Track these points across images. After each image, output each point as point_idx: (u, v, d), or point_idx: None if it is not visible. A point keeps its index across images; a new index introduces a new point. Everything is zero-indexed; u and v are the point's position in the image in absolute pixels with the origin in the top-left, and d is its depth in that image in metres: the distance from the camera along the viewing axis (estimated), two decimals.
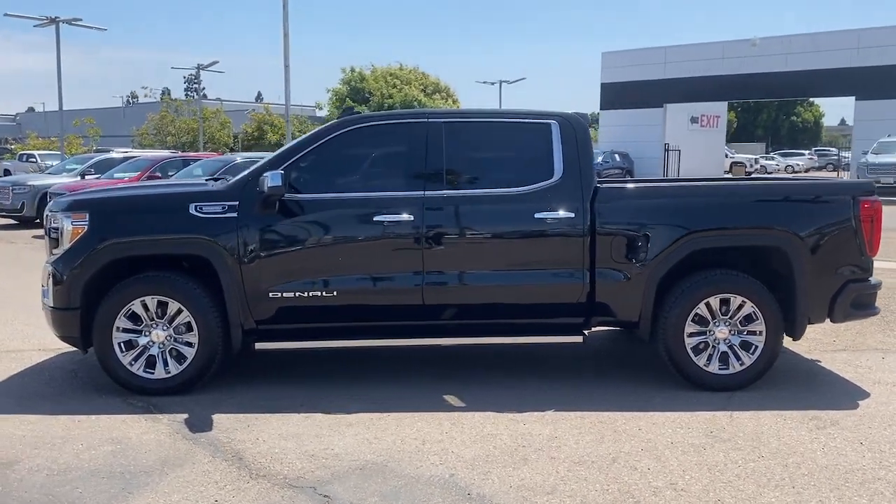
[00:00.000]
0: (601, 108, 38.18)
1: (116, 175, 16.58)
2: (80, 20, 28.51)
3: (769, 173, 52.66)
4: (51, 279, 4.96)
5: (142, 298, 4.91)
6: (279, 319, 5.02)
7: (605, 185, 5.10)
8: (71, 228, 4.95)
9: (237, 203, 4.94)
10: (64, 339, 5.13)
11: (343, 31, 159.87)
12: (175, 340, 4.97)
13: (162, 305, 4.93)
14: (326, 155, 5.09)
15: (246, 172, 5.12)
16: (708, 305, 5.03)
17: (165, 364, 4.97)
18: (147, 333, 4.96)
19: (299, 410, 4.68)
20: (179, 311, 4.93)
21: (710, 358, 5.06)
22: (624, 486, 3.63)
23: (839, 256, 5.06)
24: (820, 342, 6.34)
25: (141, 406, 4.79)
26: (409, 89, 52.14)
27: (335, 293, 4.97)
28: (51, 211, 5.17)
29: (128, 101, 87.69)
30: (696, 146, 38.32)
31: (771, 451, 4.04)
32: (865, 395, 5.00)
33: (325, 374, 5.46)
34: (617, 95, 36.69)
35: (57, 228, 5.07)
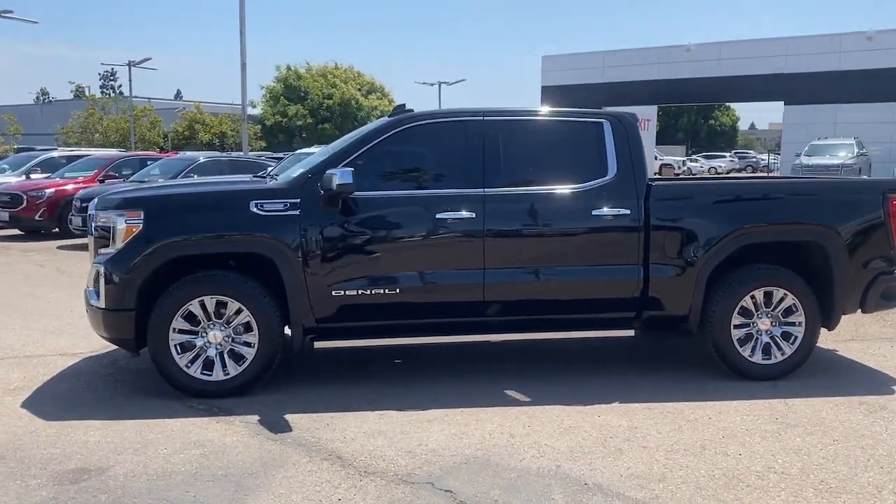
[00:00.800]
0: None
1: (68, 175, 15.93)
2: (12, 12, 27.13)
3: (694, 175, 54.59)
4: (102, 280, 4.78)
5: (200, 298, 4.79)
6: (340, 318, 4.98)
7: (657, 183, 5.25)
8: (125, 227, 4.79)
9: (299, 200, 4.88)
10: (115, 341, 4.96)
11: (275, 30, 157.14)
12: (233, 341, 4.87)
13: (220, 306, 4.83)
14: (385, 152, 5.08)
15: (304, 169, 5.06)
16: (753, 298, 5.25)
17: (224, 366, 4.86)
18: (204, 334, 4.84)
19: (370, 408, 4.66)
20: (238, 312, 4.83)
21: (753, 349, 5.28)
22: (727, 470, 3.78)
23: (870, 250, 5.35)
24: (826, 333, 6.65)
25: (203, 409, 4.67)
26: (346, 88, 51.76)
27: (397, 290, 4.96)
28: (100, 209, 4.99)
29: (40, 98, 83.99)
30: None
31: (842, 435, 4.27)
32: (894, 380, 5.32)
33: (378, 372, 5.44)
34: (557, 98, 37.35)
35: (107, 227, 4.89)
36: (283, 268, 4.83)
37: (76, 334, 6.54)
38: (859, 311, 5.48)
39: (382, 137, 5.09)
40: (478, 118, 5.20)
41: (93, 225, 5.01)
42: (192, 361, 4.85)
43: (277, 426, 4.38)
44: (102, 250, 4.93)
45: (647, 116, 47.37)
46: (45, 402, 4.81)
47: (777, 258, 5.35)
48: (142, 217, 4.79)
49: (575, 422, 4.46)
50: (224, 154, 21.14)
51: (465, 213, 4.97)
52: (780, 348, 5.31)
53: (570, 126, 5.36)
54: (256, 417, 4.52)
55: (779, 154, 35.23)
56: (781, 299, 5.28)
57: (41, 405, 4.75)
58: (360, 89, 53.32)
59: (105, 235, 4.92)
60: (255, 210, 4.85)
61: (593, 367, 5.57)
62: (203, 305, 4.81)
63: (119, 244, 4.81)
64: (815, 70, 30.87)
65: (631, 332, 5.30)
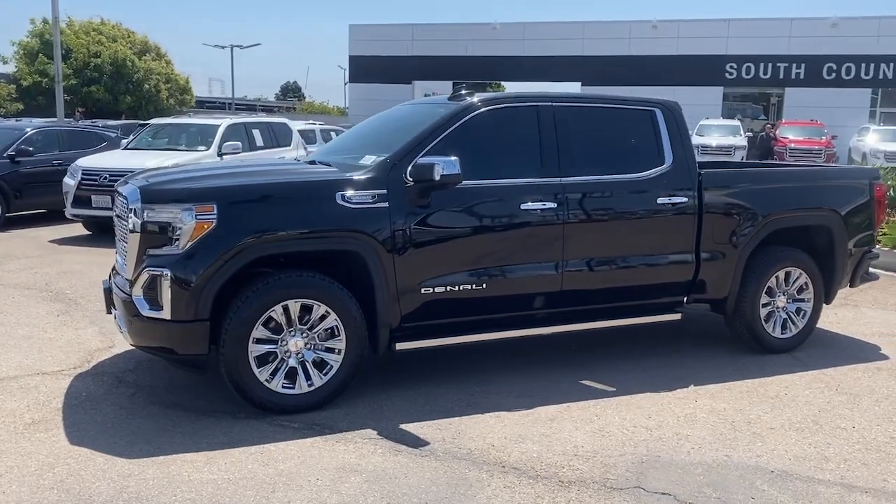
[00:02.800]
0: (350, 81, 38.37)
1: None
2: None
3: None
4: (167, 286, 4.03)
5: (284, 303, 4.22)
6: (426, 316, 4.64)
7: (706, 171, 5.46)
8: (193, 224, 4.06)
9: (386, 191, 4.45)
10: (180, 358, 4.22)
11: None
12: (315, 348, 4.36)
13: (304, 310, 4.29)
14: (460, 139, 4.75)
15: (385, 157, 4.59)
16: (776, 278, 5.69)
17: (307, 377, 4.34)
18: (284, 343, 4.28)
19: (476, 410, 4.42)
20: (323, 316, 4.32)
21: (774, 325, 5.74)
22: (865, 441, 4.10)
23: (859, 231, 6.00)
24: None
25: (299, 427, 4.15)
26: (116, 46, 47.02)
27: (484, 285, 4.72)
28: (151, 201, 4.17)
29: None
30: None
31: (887, 403, 4.78)
32: (885, 347, 6.03)
33: (433, 370, 5.12)
34: (366, 69, 37.06)
35: (165, 223, 4.12)
36: (373, 265, 4.39)
37: (23, 348, 5.47)
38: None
39: (457, 124, 4.77)
40: (547, 103, 5.05)
41: (137, 219, 4.18)
42: (273, 374, 4.27)
43: (410, 440, 4.01)
44: (155, 251, 4.15)
45: (444, 91, 48.82)
46: (98, 436, 3.98)
47: (793, 240, 5.82)
48: (215, 212, 4.09)
49: (684, 409, 4.56)
50: (57, 123, 18.27)
51: (548, 204, 4.83)
52: (794, 323, 5.81)
53: (629, 114, 5.38)
54: (372, 432, 4.09)
55: None
56: (797, 278, 5.77)
57: (96, 440, 3.93)
58: (131, 48, 48.67)
59: (159, 232, 4.15)
60: (342, 203, 4.35)
61: (642, 351, 5.68)
62: (286, 311, 4.25)
63: (186, 243, 4.07)
64: (609, 54, 33.42)
65: (678, 316, 5.50)
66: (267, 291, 4.17)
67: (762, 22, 31.75)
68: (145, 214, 4.16)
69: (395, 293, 4.48)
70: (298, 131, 14.97)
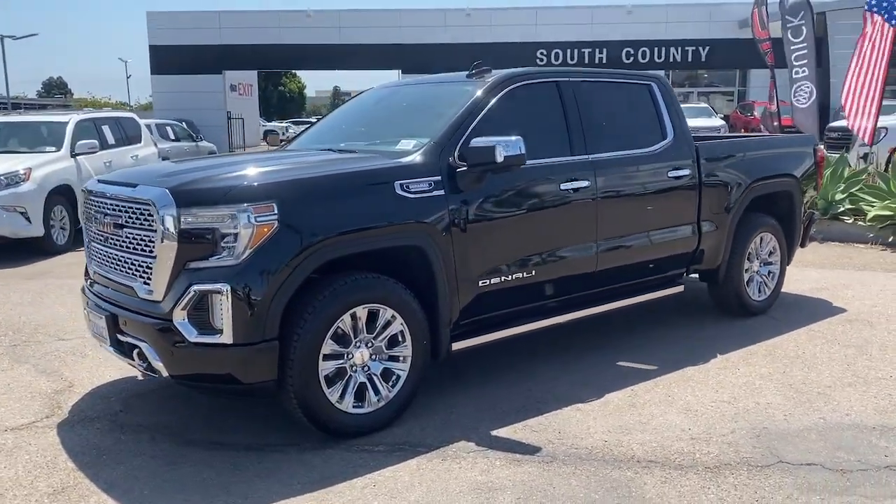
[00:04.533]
0: (152, 73, 35.40)
1: None
2: None
3: None
4: (226, 303, 3.35)
5: (353, 311, 3.68)
6: (481, 310, 4.28)
7: (701, 143, 5.52)
8: (254, 227, 3.40)
9: (440, 178, 4.02)
10: (249, 387, 3.51)
11: None
12: (380, 358, 3.86)
13: (371, 317, 3.78)
14: (495, 117, 4.41)
15: (431, 141, 4.14)
16: (754, 245, 5.93)
17: (376, 391, 3.83)
18: (350, 356, 3.74)
19: (552, 407, 4.14)
20: (388, 322, 3.83)
21: (753, 289, 5.99)
22: None
23: (807, 195, 6.43)
24: None
25: (383, 449, 3.65)
26: None
27: (533, 271, 4.45)
28: (189, 205, 3.42)
29: None
30: (239, 114, 38.73)
31: (892, 349, 5.17)
32: (835, 301, 6.50)
33: (480, 369, 4.75)
34: (170, 59, 34.46)
35: (207, 229, 3.41)
36: (435, 260, 3.95)
37: None
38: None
39: (493, 101, 4.43)
40: (565, 78, 4.84)
41: (171, 227, 3.42)
42: (343, 394, 3.72)
43: (518, 447, 3.65)
44: (199, 263, 3.43)
45: (248, 81, 46.86)
46: (156, 497, 3.23)
47: (763, 207, 6.08)
48: (275, 211, 3.45)
49: (732, 379, 4.58)
50: None
51: (583, 182, 4.64)
52: (766, 285, 6.10)
53: (632, 88, 5.30)
54: (470, 444, 3.68)
55: None
56: (769, 243, 6.06)
57: (156, 502, 3.18)
58: None
59: (203, 240, 3.43)
60: (401, 192, 3.86)
61: (646, 328, 5.65)
62: (354, 319, 3.71)
63: (243, 251, 3.40)
64: (426, 42, 33.68)
65: (681, 288, 5.55)
66: (334, 299, 3.60)
67: (567, 10, 33.54)
68: (183, 220, 3.42)
69: (455, 289, 4.08)
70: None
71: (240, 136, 36.16)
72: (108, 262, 3.89)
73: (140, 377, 4.76)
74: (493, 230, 4.23)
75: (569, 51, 33.49)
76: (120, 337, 3.75)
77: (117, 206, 3.75)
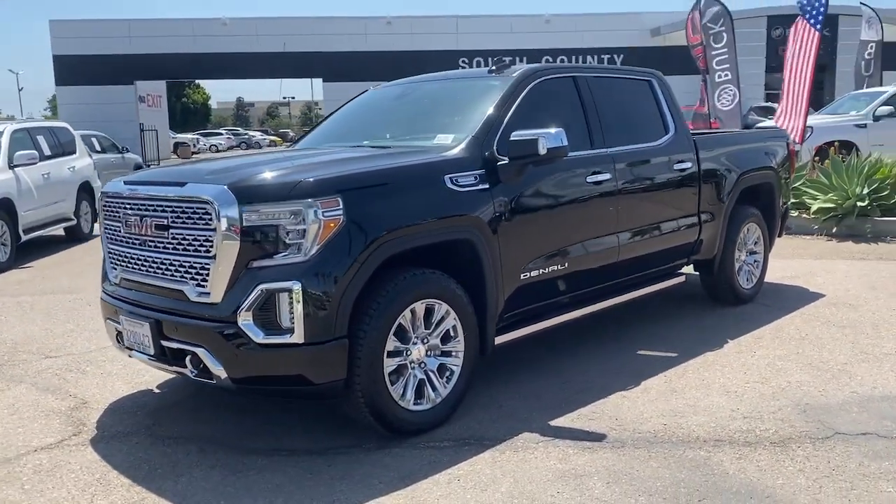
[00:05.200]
0: (57, 84, 33.88)
1: None
2: None
3: (219, 150, 54.85)
4: (298, 302, 3.23)
5: (412, 306, 3.62)
6: (519, 303, 4.28)
7: (697, 137, 5.70)
8: (321, 222, 3.30)
9: (484, 171, 4.01)
10: (320, 388, 3.38)
11: None
12: (434, 354, 3.81)
13: (427, 312, 3.72)
14: (524, 111, 4.43)
15: (470, 135, 4.11)
16: (743, 234, 6.17)
17: (433, 387, 3.78)
18: (409, 353, 3.68)
19: (597, 396, 4.18)
20: (443, 317, 3.79)
21: (742, 277, 6.23)
22: None
23: (783, 187, 6.74)
24: None
25: (449, 444, 3.60)
26: None
27: (567, 263, 4.49)
28: (252, 202, 3.28)
29: None
30: (152, 126, 37.55)
31: (883, 328, 5.46)
32: (810, 287, 6.83)
33: (509, 363, 4.74)
34: (77, 70, 33.04)
35: (275, 226, 3.28)
36: (484, 254, 3.93)
37: None
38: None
39: (522, 95, 4.45)
40: (580, 74, 4.92)
41: (232, 224, 3.27)
42: (403, 391, 3.65)
43: (582, 434, 3.67)
44: (263, 262, 3.30)
45: (157, 93, 45.34)
46: None
47: (748, 199, 6.33)
48: (340, 206, 3.36)
49: (754, 361, 4.74)
50: None
51: (605, 174, 4.72)
52: (753, 274, 6.36)
53: (636, 84, 5.43)
54: (535, 435, 3.67)
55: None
56: (755, 233, 6.31)
57: None
58: None
59: (267, 238, 3.30)
60: (451, 186, 3.83)
61: (650, 317, 5.77)
62: (413, 315, 3.65)
63: (312, 247, 3.29)
64: (347, 49, 33.50)
65: (682, 279, 5.71)
66: (397, 295, 3.53)
67: (487, 19, 34.06)
68: (245, 218, 3.27)
69: (501, 283, 4.07)
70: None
71: (153, 148, 34.87)
72: (145, 266, 3.68)
73: (156, 390, 4.53)
74: (532, 222, 4.25)
75: (490, 59, 33.87)
76: (165, 344, 3.56)
77: (160, 206, 3.56)
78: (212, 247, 3.34)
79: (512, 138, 4.06)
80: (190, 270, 3.45)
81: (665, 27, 32.62)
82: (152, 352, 3.61)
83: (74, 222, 11.19)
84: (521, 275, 4.20)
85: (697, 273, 6.13)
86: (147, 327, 3.58)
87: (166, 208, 3.53)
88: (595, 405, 4.05)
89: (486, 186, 3.98)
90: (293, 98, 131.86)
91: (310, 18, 33.74)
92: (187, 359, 3.47)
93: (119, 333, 3.91)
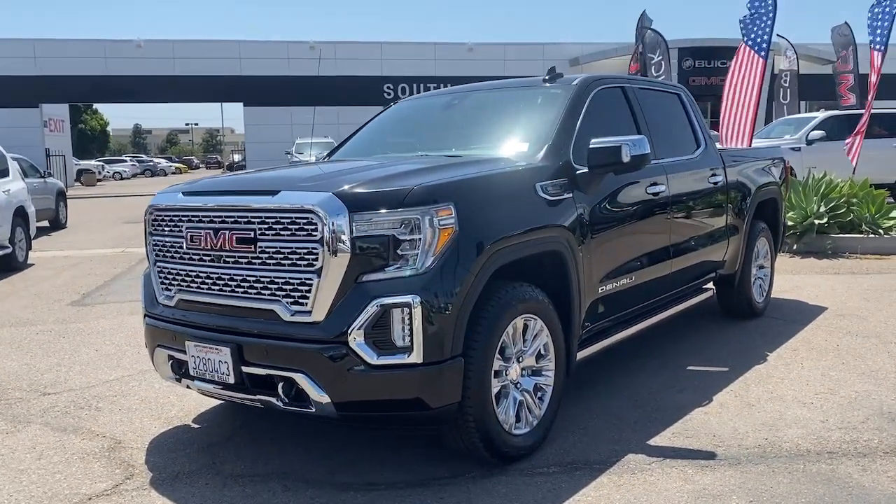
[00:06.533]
0: None
1: None
2: None
3: (123, 178, 52.78)
4: (416, 319, 2.94)
5: (513, 322, 3.38)
6: (595, 318, 4.10)
7: (722, 151, 5.72)
8: (438, 230, 3.03)
9: (566, 180, 3.83)
10: (437, 413, 3.09)
11: None
12: (527, 373, 3.58)
13: (524, 330, 3.50)
14: (587, 121, 4.30)
15: (548, 144, 3.93)
16: (756, 249, 6.23)
17: (529, 409, 3.54)
18: (507, 373, 3.43)
19: (677, 414, 4.04)
20: (537, 334, 3.57)
21: (756, 291, 6.28)
22: None
23: (782, 203, 6.88)
24: None
25: (555, 470, 3.36)
26: None
27: (633, 277, 4.36)
28: (369, 208, 2.98)
29: None
30: (59, 151, 35.79)
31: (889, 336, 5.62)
32: (808, 300, 6.96)
33: None
34: None
35: (387, 236, 2.99)
36: (572, 266, 3.75)
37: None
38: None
39: (585, 104, 4.31)
40: (627, 84, 4.84)
41: (342, 235, 2.96)
42: (506, 412, 3.40)
43: (689, 454, 3.50)
44: (374, 275, 3.00)
45: (60, 117, 43.17)
46: None
47: (759, 215, 6.40)
48: (454, 214, 3.10)
49: (808, 373, 4.72)
50: None
51: (661, 186, 4.64)
52: (763, 287, 6.43)
53: (669, 97, 5.39)
54: (640, 456, 3.48)
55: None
56: (764, 247, 6.39)
57: None
58: None
59: (377, 249, 3.00)
60: (542, 195, 3.64)
61: (687, 333, 5.70)
62: (514, 331, 3.41)
63: (428, 259, 3.02)
64: (269, 74, 32.84)
65: (711, 293, 5.69)
66: (502, 310, 3.29)
67: (411, 45, 34.17)
68: (356, 228, 2.97)
69: (584, 296, 3.89)
70: None
71: (61, 174, 33.03)
72: (219, 284, 3.30)
73: (194, 424, 4.10)
74: (609, 234, 4.10)
75: (414, 85, 34.03)
76: (246, 370, 3.18)
77: (244, 217, 3.20)
78: (315, 260, 3.01)
79: (592, 145, 3.91)
80: (284, 287, 3.10)
81: (584, 57, 33.60)
82: (232, 380, 3.22)
83: (10, 250, 10.26)
84: (599, 288, 4.03)
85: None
86: (227, 353, 3.19)
87: (253, 219, 3.17)
88: (682, 423, 3.90)
89: (571, 196, 3.81)
90: (196, 125, 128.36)
91: (231, 42, 32.92)
92: (279, 386, 3.11)
93: (177, 362, 3.49)
